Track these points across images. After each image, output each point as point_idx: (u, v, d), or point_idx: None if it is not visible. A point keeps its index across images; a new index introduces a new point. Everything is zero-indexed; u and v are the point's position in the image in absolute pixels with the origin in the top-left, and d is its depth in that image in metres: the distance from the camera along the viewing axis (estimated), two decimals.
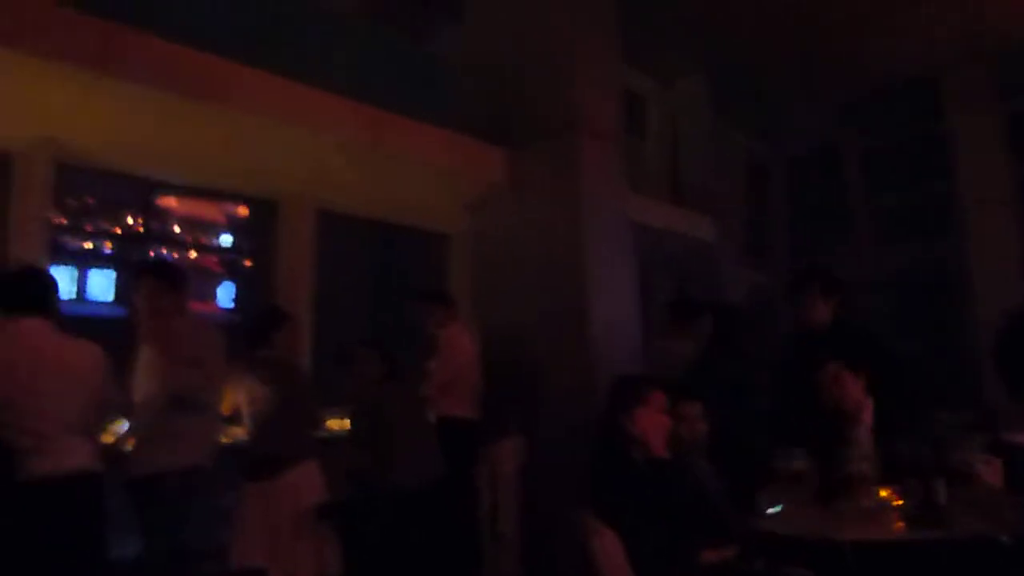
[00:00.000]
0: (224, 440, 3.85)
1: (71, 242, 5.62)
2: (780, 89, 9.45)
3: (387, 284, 6.74)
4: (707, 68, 8.86)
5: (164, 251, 6.09)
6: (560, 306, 5.69)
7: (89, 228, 5.66)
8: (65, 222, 5.48)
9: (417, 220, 6.13)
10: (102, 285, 5.94)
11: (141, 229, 6.00)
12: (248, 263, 6.37)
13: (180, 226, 6.18)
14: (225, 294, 6.31)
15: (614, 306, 5.78)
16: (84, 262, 5.72)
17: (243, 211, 6.43)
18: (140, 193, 5.91)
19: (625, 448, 2.95)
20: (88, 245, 5.79)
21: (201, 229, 6.33)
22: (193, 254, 6.20)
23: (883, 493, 2.87)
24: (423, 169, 5.61)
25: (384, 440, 4.05)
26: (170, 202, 6.14)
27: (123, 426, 3.75)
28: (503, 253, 6.21)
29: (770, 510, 2.90)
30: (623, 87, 7.03)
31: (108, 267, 5.98)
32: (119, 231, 5.94)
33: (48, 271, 3.46)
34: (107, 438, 3.97)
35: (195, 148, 4.90)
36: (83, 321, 4.98)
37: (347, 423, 4.38)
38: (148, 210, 5.98)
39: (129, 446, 3.60)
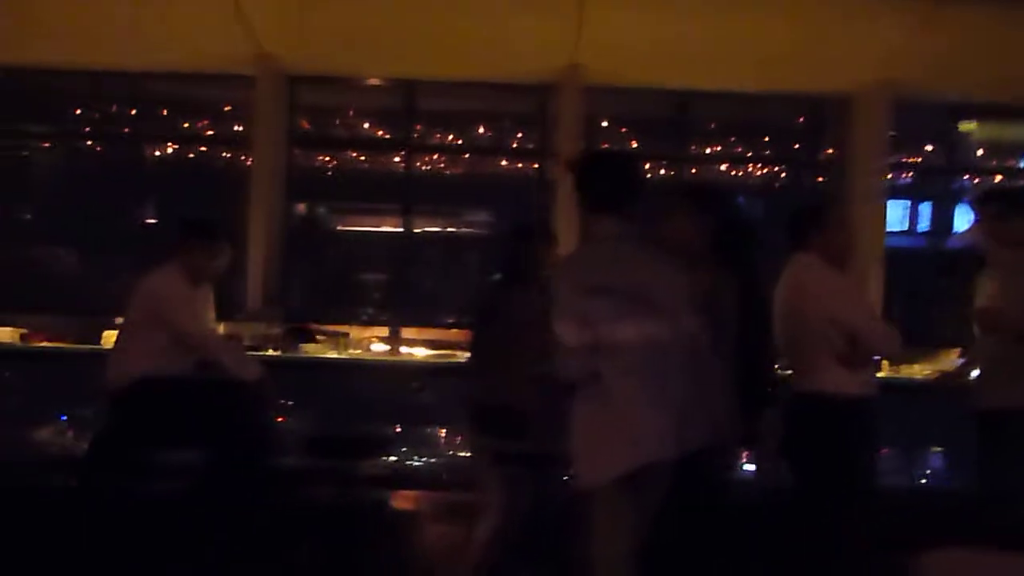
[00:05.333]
0: None
1: None
2: None
3: None
4: None
5: (965, 178, 5.89)
6: None
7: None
8: None
9: None
10: (897, 215, 6.10)
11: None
12: None
13: (983, 150, 5.86)
14: None
15: None
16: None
17: None
18: (938, 122, 5.81)
19: None
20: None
21: (1007, 152, 5.88)
22: (998, 178, 5.83)
23: None
24: None
25: None
26: (970, 127, 5.88)
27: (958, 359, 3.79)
28: None
29: None
30: None
31: (903, 197, 6.11)
32: (918, 160, 5.98)
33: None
34: (945, 367, 4.14)
35: None
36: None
37: None
38: (948, 138, 5.84)
39: (970, 377, 3.62)
